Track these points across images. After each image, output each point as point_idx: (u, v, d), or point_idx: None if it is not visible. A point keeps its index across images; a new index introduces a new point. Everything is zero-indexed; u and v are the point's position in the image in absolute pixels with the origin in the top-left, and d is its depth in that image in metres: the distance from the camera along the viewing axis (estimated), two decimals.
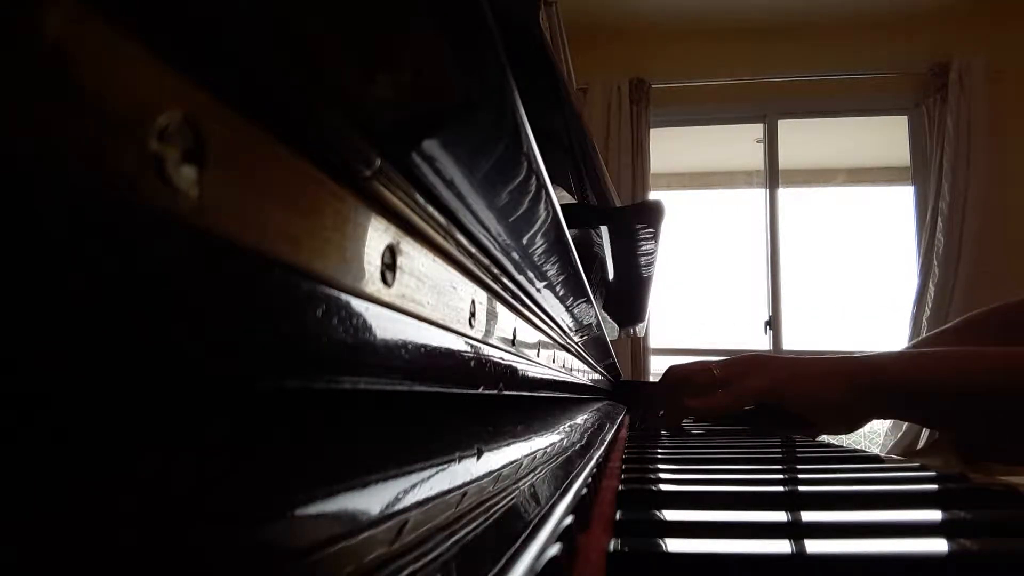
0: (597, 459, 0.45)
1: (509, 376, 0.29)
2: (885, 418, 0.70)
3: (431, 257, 0.18)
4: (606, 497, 0.33)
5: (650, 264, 0.96)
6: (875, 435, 3.07)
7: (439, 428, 0.21)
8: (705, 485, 0.37)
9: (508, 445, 0.28)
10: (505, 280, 0.27)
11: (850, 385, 0.69)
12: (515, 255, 0.25)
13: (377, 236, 0.14)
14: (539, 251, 0.27)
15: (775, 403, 0.74)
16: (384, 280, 0.15)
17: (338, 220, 0.12)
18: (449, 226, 0.18)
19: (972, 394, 0.63)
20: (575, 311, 0.46)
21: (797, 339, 2.97)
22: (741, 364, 0.78)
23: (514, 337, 0.30)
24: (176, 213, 0.08)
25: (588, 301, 0.47)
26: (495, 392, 0.27)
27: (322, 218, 0.12)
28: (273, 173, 0.10)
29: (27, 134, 0.06)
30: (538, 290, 0.32)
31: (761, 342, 2.96)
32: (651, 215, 0.78)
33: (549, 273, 0.31)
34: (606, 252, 0.81)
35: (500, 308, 0.27)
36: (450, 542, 0.18)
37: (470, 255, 0.21)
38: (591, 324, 0.58)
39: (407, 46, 0.13)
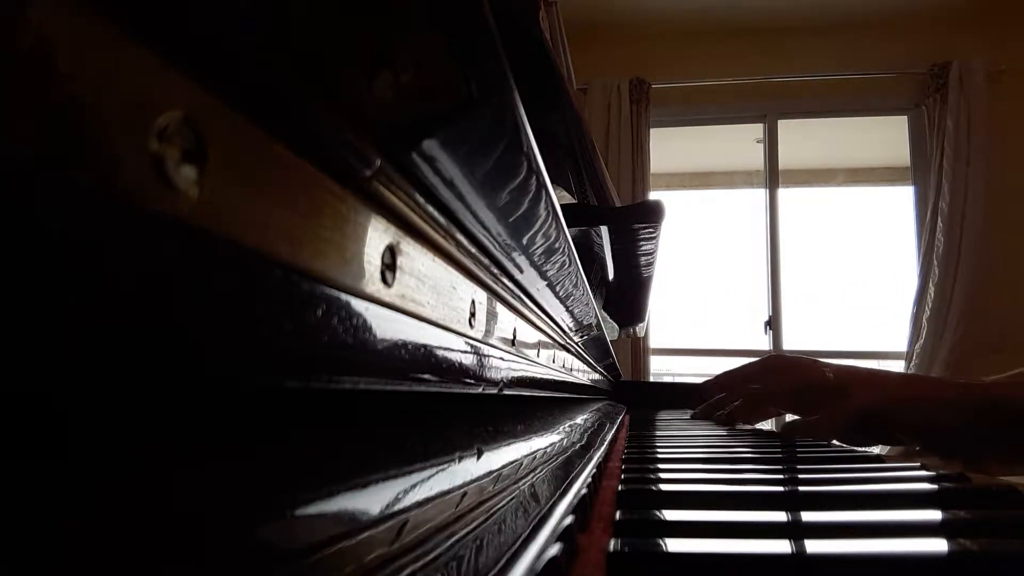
0: (597, 459, 0.45)
1: (509, 376, 0.29)
2: (1008, 448, 0.64)
3: (431, 257, 0.18)
4: (606, 497, 0.33)
5: (650, 264, 0.96)
6: None
7: (439, 428, 0.21)
8: (705, 485, 0.36)
9: (508, 445, 0.28)
10: (505, 280, 0.27)
11: (981, 415, 0.63)
12: (515, 255, 0.25)
13: (377, 236, 0.14)
14: (539, 251, 0.27)
15: (884, 420, 0.68)
16: (384, 280, 0.15)
17: (338, 220, 0.12)
18: (449, 226, 0.18)
19: None
20: (575, 311, 0.46)
21: (797, 339, 2.96)
22: (854, 373, 0.72)
23: (514, 337, 0.30)
24: (176, 213, 0.08)
25: (588, 301, 0.47)
26: (495, 392, 0.27)
27: (322, 218, 0.12)
28: (273, 173, 0.10)
29: (26, 134, 0.06)
30: (538, 290, 0.32)
31: (761, 342, 2.96)
32: (651, 215, 0.78)
33: (549, 273, 0.31)
34: (606, 252, 0.81)
35: (500, 308, 0.27)
36: (450, 542, 0.18)
37: (470, 255, 0.21)
38: (591, 324, 0.58)
39: (407, 46, 0.13)
